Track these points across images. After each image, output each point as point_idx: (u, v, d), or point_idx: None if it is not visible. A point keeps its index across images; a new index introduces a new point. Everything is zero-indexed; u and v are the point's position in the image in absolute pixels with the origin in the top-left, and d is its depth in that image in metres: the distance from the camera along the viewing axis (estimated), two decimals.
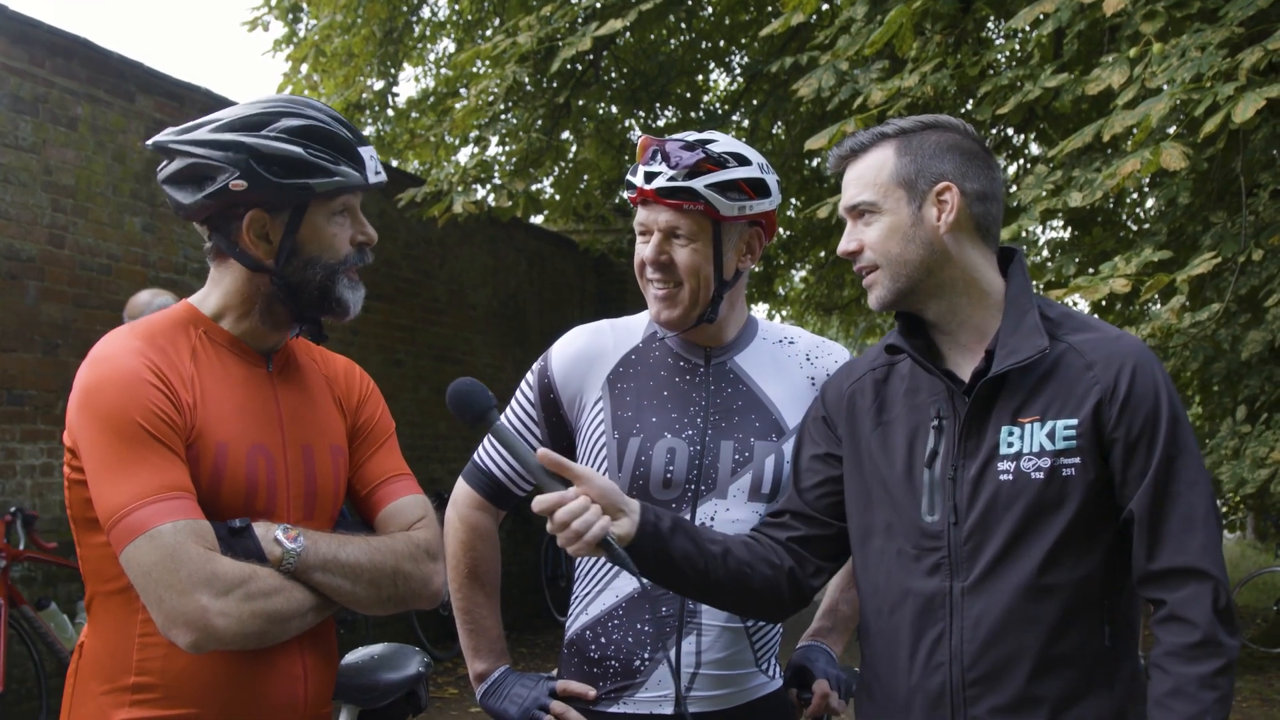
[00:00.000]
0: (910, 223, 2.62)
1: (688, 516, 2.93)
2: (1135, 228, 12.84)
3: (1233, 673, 2.43)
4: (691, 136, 2.95)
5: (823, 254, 16.13)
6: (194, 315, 2.65)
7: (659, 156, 2.91)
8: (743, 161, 2.93)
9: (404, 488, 2.81)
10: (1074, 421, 2.51)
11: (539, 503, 2.59)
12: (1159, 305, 8.74)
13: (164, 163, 2.61)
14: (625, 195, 3.02)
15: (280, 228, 2.56)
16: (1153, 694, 2.46)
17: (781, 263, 16.94)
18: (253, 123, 2.55)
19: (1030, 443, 2.53)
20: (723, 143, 2.95)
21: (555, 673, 3.12)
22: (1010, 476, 2.53)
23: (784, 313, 21.55)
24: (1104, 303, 10.52)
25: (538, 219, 16.08)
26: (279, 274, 2.58)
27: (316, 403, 2.76)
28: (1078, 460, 2.50)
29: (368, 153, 2.62)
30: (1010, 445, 2.55)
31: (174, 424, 2.45)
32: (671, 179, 2.87)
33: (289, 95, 2.70)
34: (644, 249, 2.97)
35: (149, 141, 2.68)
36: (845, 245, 2.71)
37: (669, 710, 2.93)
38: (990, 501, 2.54)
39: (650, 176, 2.90)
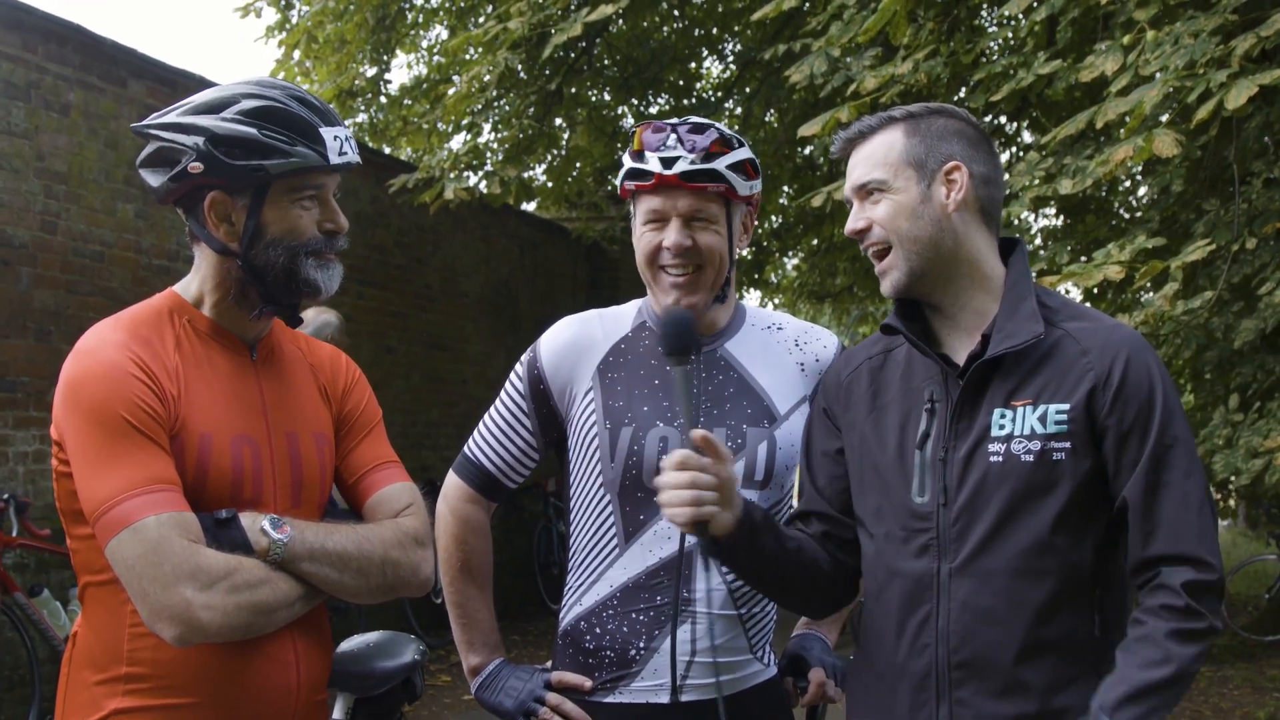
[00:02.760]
0: (919, 200, 2.63)
1: None
2: (1128, 216, 12.84)
3: (1204, 642, 2.43)
4: (691, 120, 2.95)
5: (815, 242, 16.14)
6: (177, 303, 2.65)
7: (672, 140, 2.89)
8: (741, 142, 2.96)
9: (391, 475, 2.81)
10: (1066, 406, 2.52)
11: (672, 460, 2.56)
12: (1152, 293, 8.75)
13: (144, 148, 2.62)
14: (631, 184, 2.94)
15: (243, 210, 2.55)
16: (1122, 643, 2.47)
17: (774, 250, 16.93)
18: (213, 105, 2.55)
19: (1021, 425, 2.54)
20: (717, 124, 2.96)
21: (550, 664, 3.11)
22: (1000, 458, 2.54)
23: (776, 300, 21.54)
24: (1096, 290, 10.54)
25: (529, 206, 16.07)
26: (243, 257, 2.57)
27: (300, 391, 2.75)
28: (1068, 445, 2.51)
29: (333, 133, 2.57)
30: (1001, 428, 2.55)
31: (158, 416, 2.44)
32: (693, 162, 2.87)
33: (260, 77, 2.68)
34: (658, 236, 2.93)
35: (131, 126, 2.68)
36: (853, 224, 2.71)
37: (665, 699, 2.92)
38: (979, 483, 2.55)
39: (669, 161, 2.87)
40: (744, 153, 2.93)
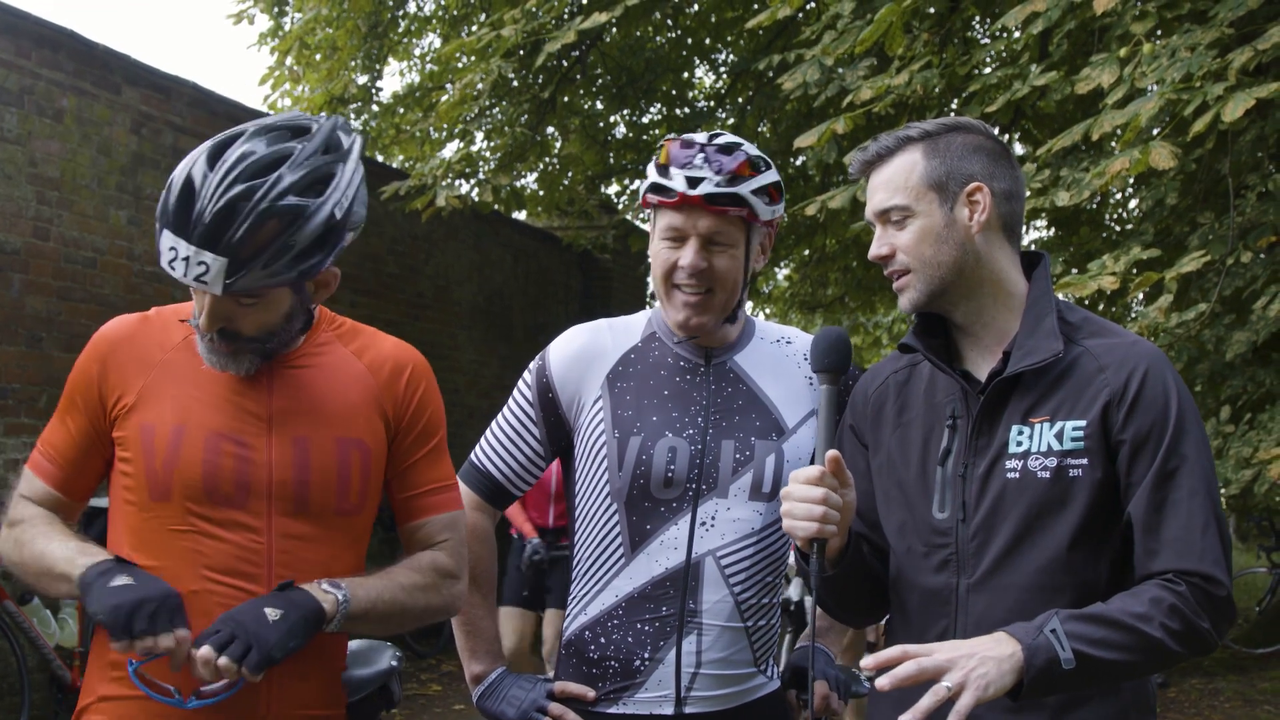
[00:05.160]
0: (943, 224, 2.60)
1: (688, 516, 2.92)
2: (1119, 229, 12.86)
3: (1194, 640, 2.37)
4: (717, 139, 2.91)
5: (807, 252, 16.15)
6: None
7: (700, 159, 2.86)
8: (768, 165, 2.93)
9: (442, 502, 2.86)
10: (1082, 423, 2.50)
11: (806, 475, 2.50)
12: (1145, 305, 8.77)
13: None
14: (654, 198, 2.90)
15: None
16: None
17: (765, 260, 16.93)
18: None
19: (1038, 442, 2.53)
20: (746, 144, 2.93)
21: (553, 674, 3.11)
22: (1016, 475, 2.53)
23: (767, 311, 21.55)
24: (1089, 301, 10.56)
25: (520, 214, 16.07)
26: None
27: (331, 397, 2.75)
28: (1085, 461, 2.49)
29: (169, 242, 2.49)
30: (1019, 444, 2.54)
31: (85, 393, 2.70)
32: (719, 184, 2.84)
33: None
34: (675, 254, 2.91)
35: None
36: (877, 250, 2.67)
37: (669, 711, 2.91)
38: (996, 499, 2.54)
39: (694, 181, 2.84)
40: (770, 176, 2.91)
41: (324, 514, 2.69)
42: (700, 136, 2.93)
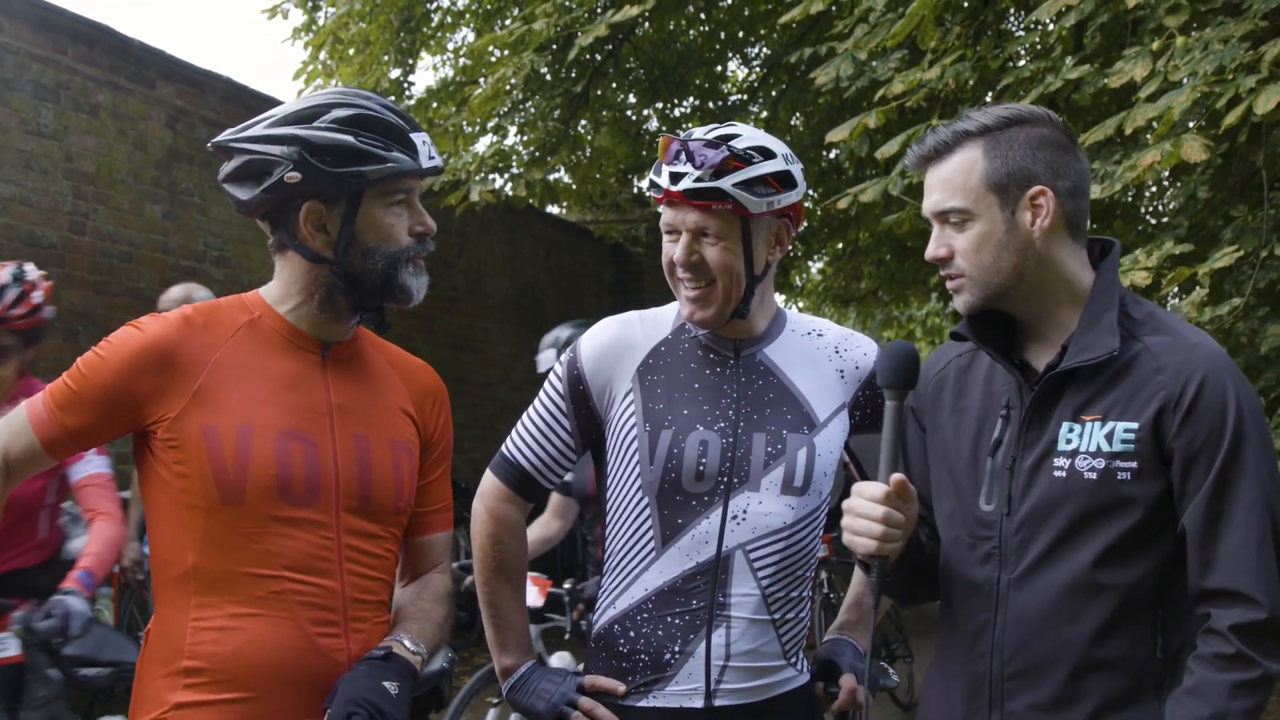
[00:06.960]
0: (1004, 229, 2.54)
1: (720, 509, 2.92)
2: (1154, 222, 12.78)
3: (1259, 692, 2.37)
4: (714, 132, 2.90)
5: (840, 245, 16.11)
6: (255, 301, 2.73)
7: (683, 156, 2.86)
8: (768, 155, 2.89)
9: (446, 520, 2.94)
10: (1134, 425, 2.45)
11: (871, 492, 2.55)
12: (1178, 299, 8.73)
13: (224, 163, 2.66)
14: (650, 195, 2.94)
15: (337, 219, 2.60)
16: (1174, 694, 2.43)
17: (799, 254, 16.90)
18: (304, 115, 2.60)
19: (1088, 441, 2.48)
20: (746, 136, 2.90)
21: (582, 667, 3.11)
22: (1063, 474, 2.50)
23: (800, 304, 21.51)
24: None
25: (554, 209, 16.08)
26: (339, 264, 2.63)
27: (379, 397, 2.79)
28: (1134, 465, 2.45)
29: (420, 138, 2.65)
30: (1069, 442, 2.50)
31: (105, 384, 2.57)
32: (698, 179, 2.83)
33: (342, 88, 2.75)
34: (672, 249, 2.93)
35: (210, 144, 2.74)
36: (934, 251, 2.62)
37: (699, 704, 2.91)
38: (1042, 496, 2.52)
39: (676, 177, 2.86)
40: (767, 166, 2.87)
41: (383, 512, 2.73)
42: (698, 131, 2.92)
